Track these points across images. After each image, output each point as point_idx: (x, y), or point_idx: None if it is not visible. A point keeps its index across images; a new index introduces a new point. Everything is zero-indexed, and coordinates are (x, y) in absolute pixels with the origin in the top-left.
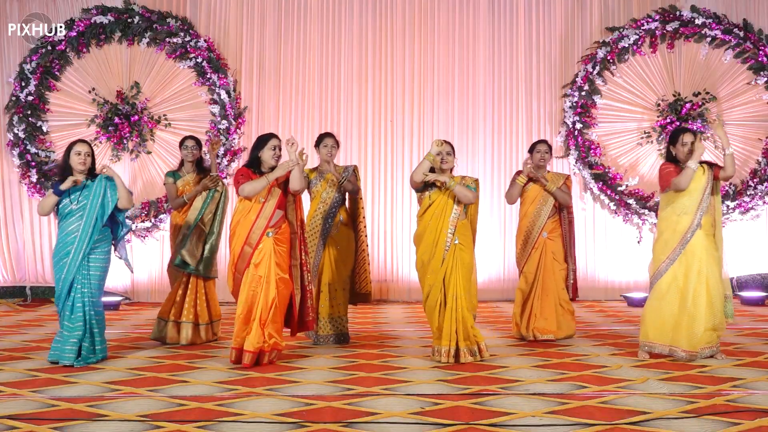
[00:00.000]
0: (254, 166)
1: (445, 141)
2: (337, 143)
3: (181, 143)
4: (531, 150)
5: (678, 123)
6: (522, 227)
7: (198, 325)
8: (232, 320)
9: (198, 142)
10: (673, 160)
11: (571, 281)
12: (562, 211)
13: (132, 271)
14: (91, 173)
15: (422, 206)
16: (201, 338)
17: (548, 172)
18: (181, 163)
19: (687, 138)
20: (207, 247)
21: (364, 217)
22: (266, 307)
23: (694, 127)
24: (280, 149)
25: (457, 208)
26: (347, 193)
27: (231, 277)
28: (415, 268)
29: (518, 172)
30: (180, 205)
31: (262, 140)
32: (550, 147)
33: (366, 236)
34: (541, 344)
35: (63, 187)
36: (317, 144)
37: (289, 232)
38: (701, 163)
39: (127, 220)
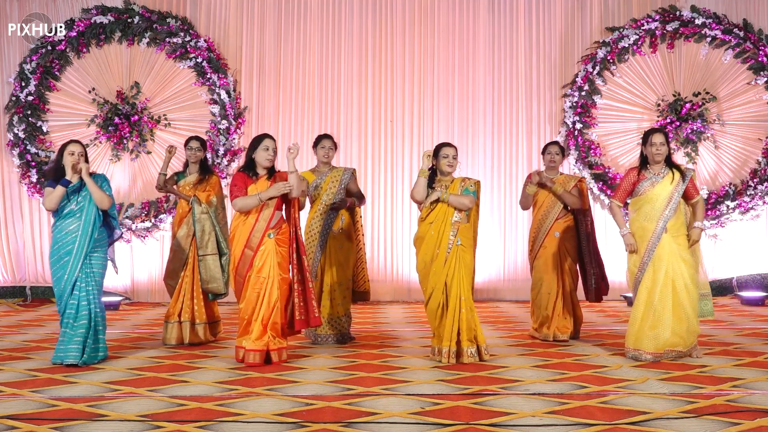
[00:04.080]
0: (250, 169)
1: (450, 144)
2: (335, 145)
3: (186, 144)
4: (543, 151)
5: (678, 123)
6: (531, 231)
7: (195, 325)
8: (231, 321)
9: (202, 142)
10: (644, 162)
11: (593, 285)
12: (578, 213)
13: (116, 272)
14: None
15: (424, 210)
16: (199, 338)
17: (560, 174)
18: (186, 164)
19: (656, 139)
20: (224, 265)
21: (361, 217)
22: (269, 308)
23: (694, 127)
24: (275, 150)
25: (459, 212)
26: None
27: (233, 281)
28: (416, 270)
29: (529, 176)
30: (160, 184)
31: (256, 141)
32: (561, 149)
33: (363, 235)
34: (541, 344)
35: (70, 177)
36: (315, 145)
37: (289, 232)
38: (672, 168)
39: (126, 220)
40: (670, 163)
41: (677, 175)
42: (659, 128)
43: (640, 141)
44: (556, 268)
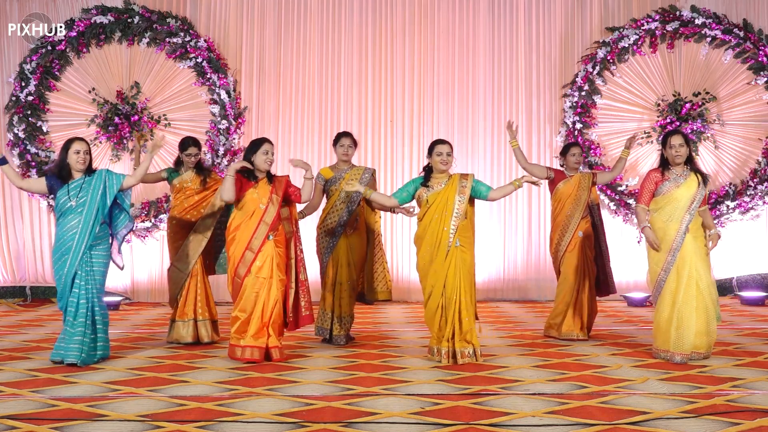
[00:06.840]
0: (247, 172)
1: (444, 141)
2: (355, 143)
3: (184, 147)
4: (564, 153)
5: (678, 123)
6: (554, 233)
7: (215, 322)
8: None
9: (200, 145)
10: (665, 164)
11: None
12: (594, 210)
13: (121, 268)
14: (89, 170)
15: (421, 209)
16: (219, 336)
17: (579, 172)
18: (177, 162)
19: (675, 140)
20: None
21: (380, 217)
22: (269, 308)
23: (694, 127)
24: (272, 153)
25: (459, 208)
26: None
27: (230, 282)
28: (416, 269)
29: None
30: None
31: (255, 145)
32: (582, 149)
33: (380, 234)
34: (541, 344)
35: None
36: (334, 143)
37: (285, 232)
38: (693, 171)
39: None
40: (692, 166)
41: (700, 178)
42: (677, 130)
43: (660, 143)
44: (582, 269)
